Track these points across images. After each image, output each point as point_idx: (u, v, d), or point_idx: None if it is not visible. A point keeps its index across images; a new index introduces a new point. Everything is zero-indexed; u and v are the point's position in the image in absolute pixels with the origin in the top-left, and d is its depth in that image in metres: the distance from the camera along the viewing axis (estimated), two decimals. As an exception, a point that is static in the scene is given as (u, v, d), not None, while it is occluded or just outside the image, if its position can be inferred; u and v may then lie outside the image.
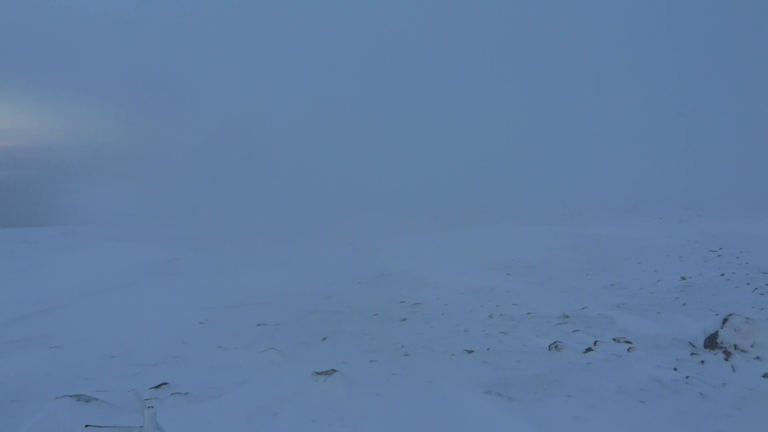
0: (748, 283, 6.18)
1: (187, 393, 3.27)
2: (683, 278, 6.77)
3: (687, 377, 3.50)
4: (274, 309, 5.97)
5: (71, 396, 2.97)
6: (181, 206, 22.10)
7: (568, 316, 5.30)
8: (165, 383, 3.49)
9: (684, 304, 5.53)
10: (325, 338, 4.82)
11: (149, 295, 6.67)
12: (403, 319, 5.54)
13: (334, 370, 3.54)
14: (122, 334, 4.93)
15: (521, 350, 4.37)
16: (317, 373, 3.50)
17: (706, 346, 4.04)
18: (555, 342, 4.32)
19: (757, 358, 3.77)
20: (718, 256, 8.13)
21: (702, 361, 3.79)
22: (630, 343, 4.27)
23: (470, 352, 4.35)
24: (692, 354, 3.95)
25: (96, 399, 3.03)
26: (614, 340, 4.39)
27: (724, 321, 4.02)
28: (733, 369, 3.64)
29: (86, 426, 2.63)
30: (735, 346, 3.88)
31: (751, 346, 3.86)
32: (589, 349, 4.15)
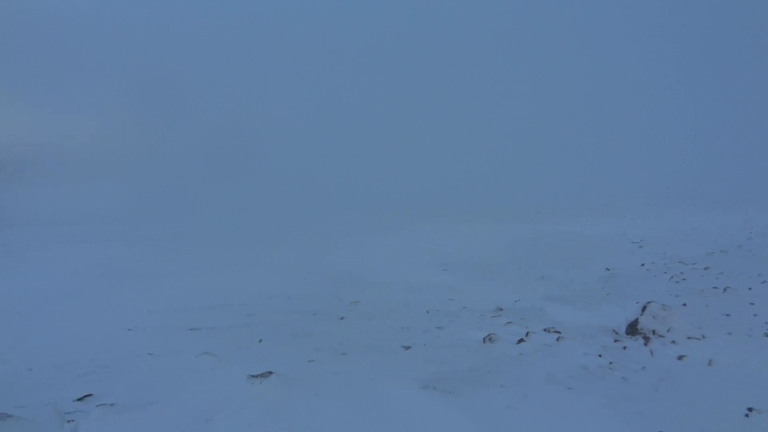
0: (665, 273, 6.70)
1: (113, 404, 3.10)
2: (608, 270, 7.22)
3: (611, 363, 3.74)
4: (211, 312, 5.81)
5: (-22, 414, 2.73)
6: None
7: (502, 309, 5.50)
8: (89, 395, 3.30)
9: (608, 294, 5.91)
10: (261, 340, 4.74)
11: (78, 303, 6.26)
12: (342, 318, 5.55)
13: (270, 372, 3.47)
14: (44, 344, 4.60)
15: (457, 344, 4.49)
16: (253, 376, 3.42)
17: (627, 333, 4.34)
18: (489, 335, 4.48)
19: (673, 342, 4.09)
20: (640, 247, 8.74)
21: (624, 347, 4.07)
22: (559, 332, 4.51)
23: (408, 348, 4.42)
24: (615, 341, 4.23)
25: (12, 416, 2.81)
26: (545, 330, 4.61)
27: (644, 309, 4.34)
28: (652, 353, 3.93)
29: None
30: (653, 332, 4.19)
31: (668, 330, 4.18)
32: (521, 340, 4.33)
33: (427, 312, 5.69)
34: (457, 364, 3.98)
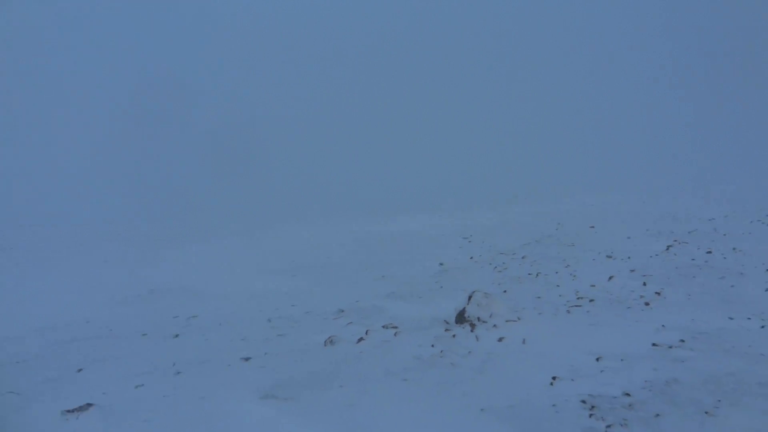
0: (490, 263, 7.62)
1: None
2: (441, 264, 7.96)
3: (441, 351, 4.18)
4: (14, 343, 5.10)
5: None
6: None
7: (343, 311, 5.75)
8: None
9: (441, 287, 6.54)
10: (80, 369, 4.30)
11: None
12: (176, 336, 5.30)
13: (89, 405, 3.20)
14: None
15: (299, 349, 4.60)
16: (68, 411, 3.12)
17: (457, 322, 4.87)
18: (330, 337, 4.67)
19: (494, 326, 4.71)
20: (469, 242, 9.78)
21: (453, 335, 4.57)
22: (397, 327, 4.88)
23: (247, 359, 4.40)
24: (446, 330, 4.72)
25: None
26: (384, 327, 4.95)
27: (469, 298, 4.91)
28: (477, 338, 4.47)
29: None
30: (478, 318, 4.77)
31: (490, 316, 4.80)
32: (361, 339, 4.60)
33: (269, 320, 5.71)
34: (299, 369, 4.08)
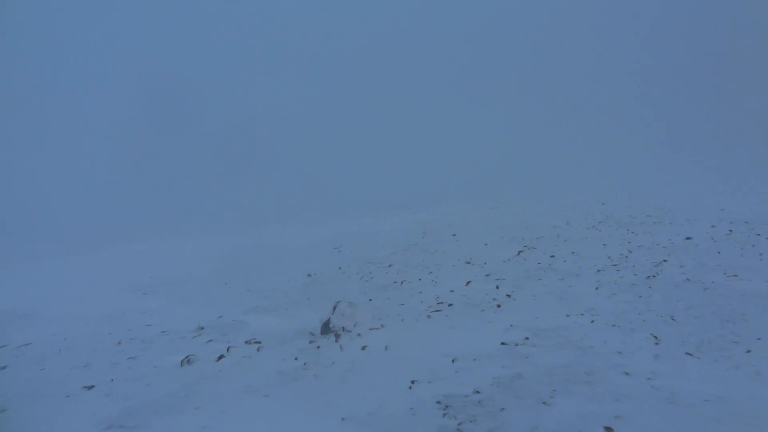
0: (358, 273, 7.78)
1: None
2: (310, 275, 7.95)
3: (305, 363, 4.18)
4: None
5: None
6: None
7: (203, 328, 5.49)
8: None
9: (309, 299, 6.54)
10: None
11: None
12: (4, 367, 4.67)
13: None
14: None
15: (152, 372, 4.31)
16: None
17: (322, 333, 4.89)
18: (187, 356, 4.43)
19: (359, 335, 4.81)
20: (339, 252, 9.89)
21: (318, 347, 4.59)
22: (260, 342, 4.78)
23: (90, 387, 4.03)
24: (311, 342, 4.72)
25: None
26: (246, 342, 4.82)
27: (334, 308, 4.97)
28: (341, 348, 4.53)
29: None
30: (343, 328, 4.84)
31: (354, 325, 4.89)
32: (221, 357, 4.43)
33: (119, 343, 5.26)
34: (151, 394, 3.83)
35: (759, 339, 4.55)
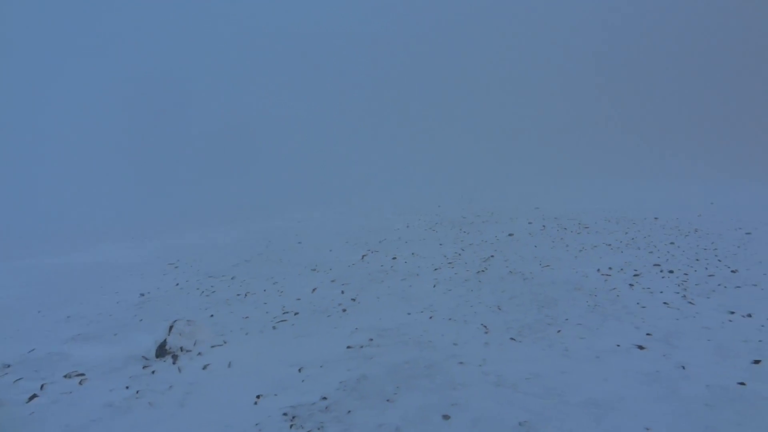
0: (197, 288, 7.36)
1: None
2: (143, 294, 7.33)
3: (138, 392, 3.85)
4: None
5: None
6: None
7: (9, 366, 4.76)
8: None
9: (141, 320, 6.01)
10: None
11: None
12: None
13: None
14: None
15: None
16: None
17: (157, 356, 4.55)
18: (-13, 401, 3.80)
19: (199, 353, 4.56)
20: (176, 267, 9.26)
21: (153, 372, 4.26)
22: (83, 375, 4.29)
23: None
24: (145, 367, 4.36)
25: None
26: (65, 376, 4.29)
27: (170, 328, 4.65)
28: (180, 370, 4.26)
29: None
30: (181, 349, 4.55)
31: (194, 344, 4.63)
32: (33, 396, 3.88)
33: None
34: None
35: (567, 320, 5.26)
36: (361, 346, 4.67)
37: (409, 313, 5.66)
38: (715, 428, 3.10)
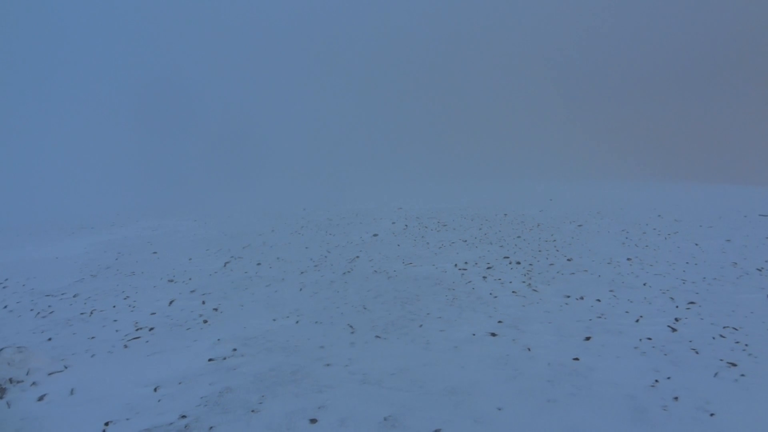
0: (32, 310, 6.52)
1: None
2: (-40, 321, 6.32)
3: (-47, 435, 3.30)
4: None
5: None
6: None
7: None
8: None
9: (-42, 352, 5.17)
10: None
11: None
12: None
13: None
14: None
15: None
16: None
17: (-21, 392, 3.94)
18: None
19: (34, 383, 4.05)
20: (4, 287, 8.12)
21: (-27, 410, 3.68)
22: None
23: None
24: (-38, 406, 3.75)
25: None
26: None
27: (-4, 357, 4.06)
28: (9, 405, 3.74)
29: None
30: (10, 380, 4.00)
31: (27, 374, 4.10)
32: None
33: None
34: None
35: (428, 314, 5.53)
36: (224, 358, 4.48)
37: (274, 319, 5.55)
38: (554, 400, 3.46)
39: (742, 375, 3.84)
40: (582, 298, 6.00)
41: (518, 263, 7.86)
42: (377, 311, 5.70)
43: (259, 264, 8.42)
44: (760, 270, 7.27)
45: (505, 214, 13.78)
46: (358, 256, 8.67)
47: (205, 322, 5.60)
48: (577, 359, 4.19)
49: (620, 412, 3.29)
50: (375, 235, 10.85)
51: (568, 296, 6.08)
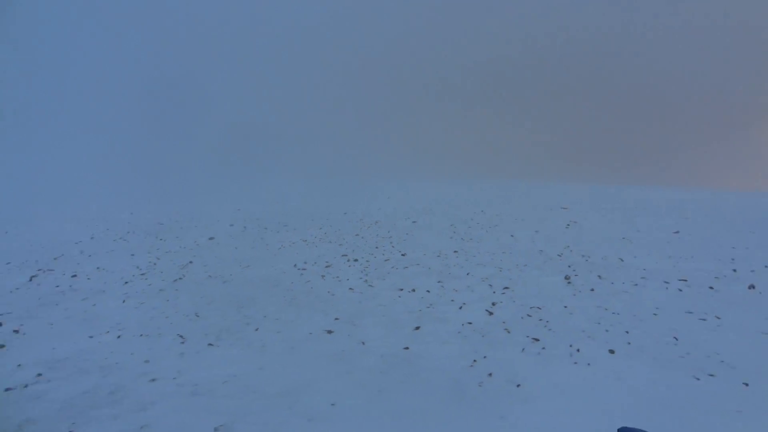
0: None
1: None
2: None
3: None
4: None
5: None
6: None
7: None
8: None
9: None
10: None
11: None
12: None
13: None
14: None
15: None
16: None
17: None
18: None
19: None
20: None
21: None
22: None
23: None
24: None
25: None
26: None
27: None
28: None
29: None
30: None
31: None
32: None
33: None
34: None
35: (265, 316, 5.42)
36: (26, 385, 3.90)
37: (91, 336, 4.99)
38: (385, 390, 3.61)
39: (543, 348, 4.38)
40: (414, 290, 6.35)
41: (356, 260, 8.07)
42: (211, 318, 5.43)
43: (74, 276, 7.50)
44: (560, 255, 8.37)
45: (345, 213, 14.06)
46: (191, 262, 8.18)
47: (2, 347, 4.83)
48: (407, 348, 4.42)
49: (443, 393, 3.55)
50: (211, 238, 10.35)
51: (401, 289, 6.39)
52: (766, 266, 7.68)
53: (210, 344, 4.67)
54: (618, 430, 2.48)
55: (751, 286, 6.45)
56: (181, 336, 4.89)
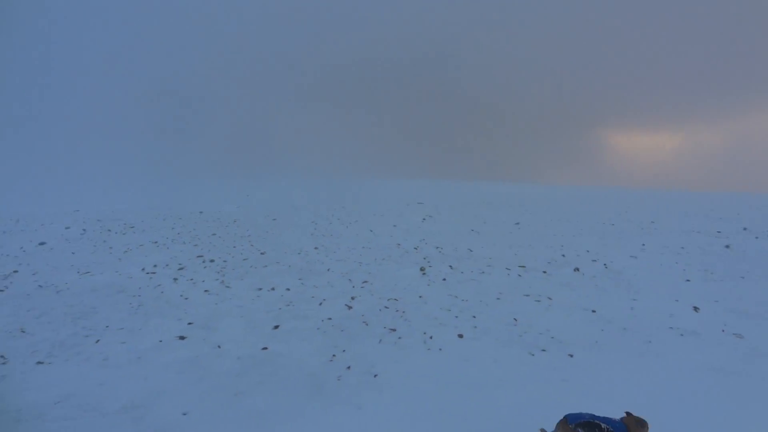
0: None
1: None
2: None
3: None
4: None
5: None
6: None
7: None
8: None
9: None
10: None
11: None
12: None
13: None
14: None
15: None
16: None
17: None
18: None
19: None
20: None
21: None
22: None
23: None
24: None
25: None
26: None
27: None
28: None
29: None
30: None
31: None
32: None
33: None
34: None
35: (107, 327, 4.95)
36: None
37: None
38: (242, 392, 3.50)
39: (400, 338, 4.56)
40: (273, 288, 6.23)
41: (212, 261, 7.70)
42: (41, 333, 4.82)
43: None
44: (416, 248, 8.78)
45: (201, 212, 13.37)
46: (16, 271, 7.18)
47: None
48: (266, 348, 4.32)
49: (302, 390, 3.53)
50: (42, 243, 9.18)
51: (260, 288, 6.24)
52: (587, 251, 8.77)
53: (39, 362, 4.14)
54: (564, 416, 2.65)
55: (576, 269, 7.33)
56: (2, 356, 4.28)
